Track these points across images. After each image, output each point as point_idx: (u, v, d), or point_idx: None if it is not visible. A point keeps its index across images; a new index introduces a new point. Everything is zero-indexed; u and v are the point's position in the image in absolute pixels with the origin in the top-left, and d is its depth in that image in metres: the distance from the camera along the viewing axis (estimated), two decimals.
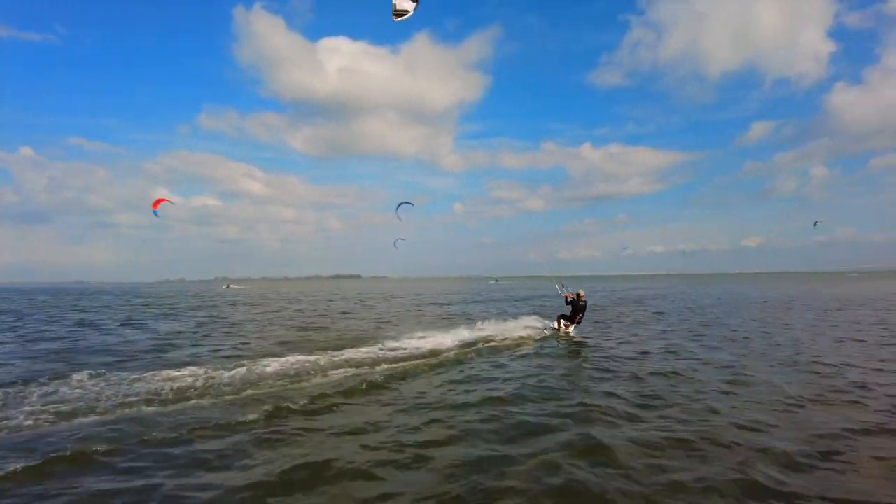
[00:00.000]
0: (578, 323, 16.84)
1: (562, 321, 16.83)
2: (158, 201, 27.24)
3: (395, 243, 45.02)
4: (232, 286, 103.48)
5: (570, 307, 16.88)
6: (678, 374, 9.81)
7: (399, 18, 8.75)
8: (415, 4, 8.71)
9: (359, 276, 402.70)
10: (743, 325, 18.44)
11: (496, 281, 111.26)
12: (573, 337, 15.86)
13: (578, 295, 16.74)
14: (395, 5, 8.70)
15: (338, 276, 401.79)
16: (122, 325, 20.90)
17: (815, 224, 40.53)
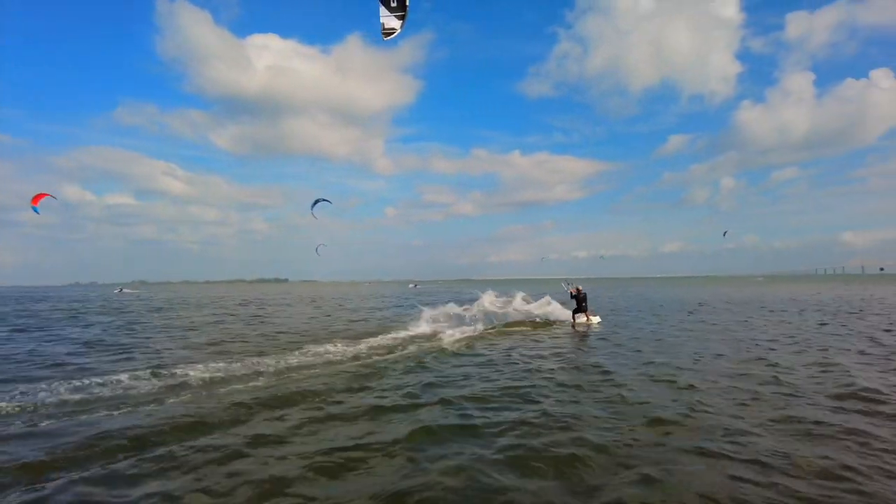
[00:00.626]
0: (585, 311, 19.45)
1: (574, 315, 19.37)
2: (38, 197, 25.45)
3: (316, 249, 43.08)
4: (125, 290, 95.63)
5: (574, 301, 19.54)
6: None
7: (388, 37, 9.11)
8: (401, 21, 9.11)
9: (286, 280, 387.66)
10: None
11: (415, 285, 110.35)
12: (592, 325, 19.06)
13: (578, 290, 19.55)
14: (383, 24, 9.09)
15: (262, 280, 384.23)
16: None
17: (724, 234, 42.97)
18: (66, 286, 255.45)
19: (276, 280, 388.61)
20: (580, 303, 19.42)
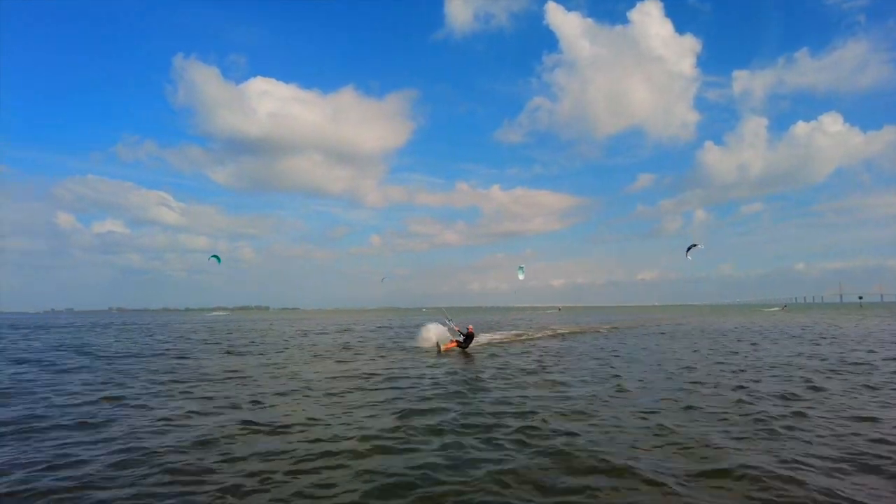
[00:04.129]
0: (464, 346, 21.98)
1: (444, 344, 22.00)
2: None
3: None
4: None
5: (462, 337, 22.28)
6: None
7: None
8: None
9: (267, 308, 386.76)
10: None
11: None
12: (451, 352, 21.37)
13: (469, 329, 22.53)
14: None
15: (245, 308, 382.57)
16: None
17: (688, 249, 37.65)
18: (41, 313, 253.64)
19: (258, 308, 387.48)
20: (467, 340, 22.12)
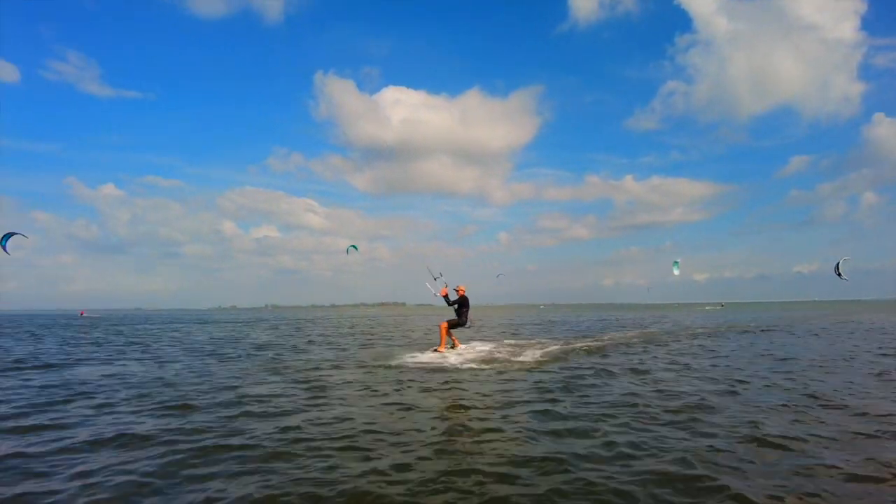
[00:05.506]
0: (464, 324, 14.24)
1: (449, 330, 14.17)
2: (9, 235, 23.98)
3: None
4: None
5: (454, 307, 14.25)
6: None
7: None
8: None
9: (404, 304, 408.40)
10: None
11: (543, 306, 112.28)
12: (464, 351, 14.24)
13: (459, 291, 14.44)
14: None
15: (383, 304, 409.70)
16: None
17: (836, 270, 32.20)
18: (210, 310, 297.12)
19: (395, 304, 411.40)
20: (461, 309, 14.24)
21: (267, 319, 66.82)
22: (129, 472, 5.13)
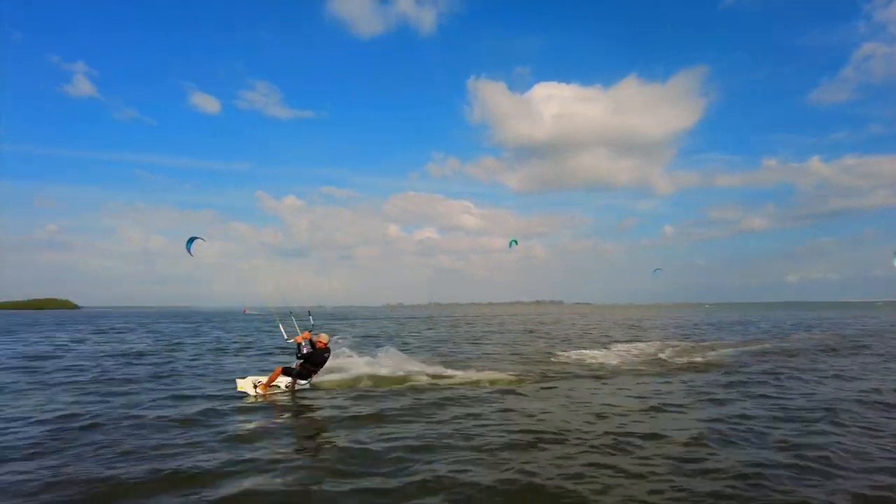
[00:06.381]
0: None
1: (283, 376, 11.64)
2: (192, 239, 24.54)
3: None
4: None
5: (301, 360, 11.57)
6: None
7: None
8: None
9: (561, 302, 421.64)
10: None
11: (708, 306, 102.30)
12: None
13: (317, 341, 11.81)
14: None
15: (539, 302, 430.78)
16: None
17: None
18: (379, 308, 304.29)
19: (552, 302, 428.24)
20: (310, 363, 11.57)
21: (448, 317, 68.83)
22: None
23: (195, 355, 19.81)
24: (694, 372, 14.05)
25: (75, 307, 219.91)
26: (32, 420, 9.16)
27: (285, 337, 12.56)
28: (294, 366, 11.81)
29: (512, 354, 19.27)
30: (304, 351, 11.52)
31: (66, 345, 25.22)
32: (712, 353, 18.65)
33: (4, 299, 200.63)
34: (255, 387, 11.45)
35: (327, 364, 12.20)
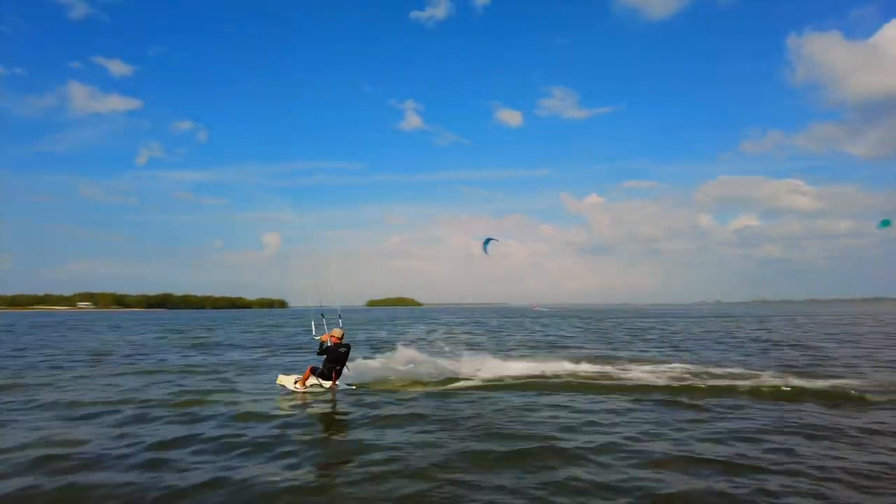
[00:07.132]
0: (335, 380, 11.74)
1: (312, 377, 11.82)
2: (489, 241, 25.47)
3: None
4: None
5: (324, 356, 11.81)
6: None
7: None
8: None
9: None
10: None
11: None
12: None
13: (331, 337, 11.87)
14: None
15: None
16: None
17: None
18: (693, 305, 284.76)
19: None
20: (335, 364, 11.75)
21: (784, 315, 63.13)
22: None
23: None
24: None
25: (419, 304, 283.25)
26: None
27: (314, 334, 12.47)
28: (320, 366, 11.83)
29: None
30: (324, 347, 11.54)
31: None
32: None
33: (376, 297, 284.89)
34: (295, 383, 11.70)
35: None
